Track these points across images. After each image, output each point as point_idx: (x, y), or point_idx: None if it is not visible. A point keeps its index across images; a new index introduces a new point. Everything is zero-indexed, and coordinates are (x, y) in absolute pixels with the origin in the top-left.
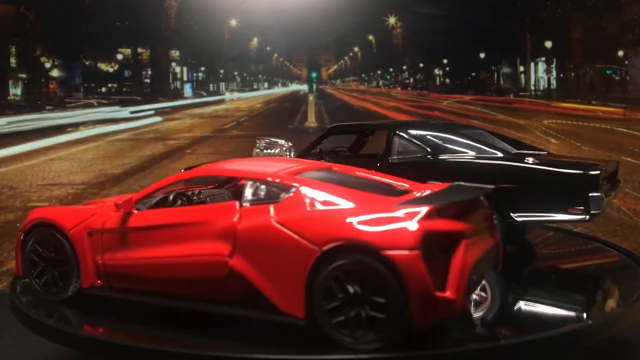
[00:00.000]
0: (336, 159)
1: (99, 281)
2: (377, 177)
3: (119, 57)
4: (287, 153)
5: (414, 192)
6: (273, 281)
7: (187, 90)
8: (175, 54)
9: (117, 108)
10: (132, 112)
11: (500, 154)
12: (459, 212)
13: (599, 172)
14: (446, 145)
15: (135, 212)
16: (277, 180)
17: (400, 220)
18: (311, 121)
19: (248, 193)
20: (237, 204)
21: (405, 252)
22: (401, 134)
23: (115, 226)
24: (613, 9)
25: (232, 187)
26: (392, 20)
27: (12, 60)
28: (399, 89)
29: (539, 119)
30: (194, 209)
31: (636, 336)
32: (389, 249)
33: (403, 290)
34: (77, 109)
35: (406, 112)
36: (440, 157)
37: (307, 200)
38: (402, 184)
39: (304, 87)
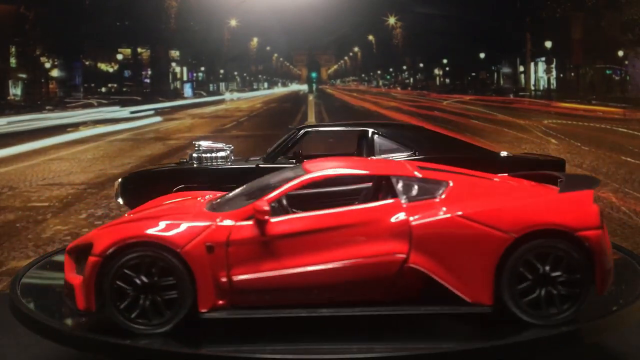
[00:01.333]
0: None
1: (220, 301)
2: (466, 171)
3: (119, 57)
4: (231, 155)
5: (514, 182)
6: (458, 273)
7: (187, 90)
8: (175, 54)
9: (117, 108)
10: (132, 112)
11: (477, 148)
12: None
13: (564, 160)
14: (429, 143)
15: (271, 220)
16: (428, 177)
17: (578, 203)
18: (311, 121)
19: (404, 190)
20: (400, 201)
21: (595, 231)
22: (383, 134)
23: (250, 237)
24: (613, 9)
25: None
26: (392, 20)
27: (12, 60)
28: (399, 89)
29: (538, 119)
30: (347, 210)
31: (636, 336)
32: (582, 230)
33: (593, 265)
34: (77, 109)
35: (406, 112)
36: (426, 155)
37: (473, 193)
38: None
39: (304, 87)
